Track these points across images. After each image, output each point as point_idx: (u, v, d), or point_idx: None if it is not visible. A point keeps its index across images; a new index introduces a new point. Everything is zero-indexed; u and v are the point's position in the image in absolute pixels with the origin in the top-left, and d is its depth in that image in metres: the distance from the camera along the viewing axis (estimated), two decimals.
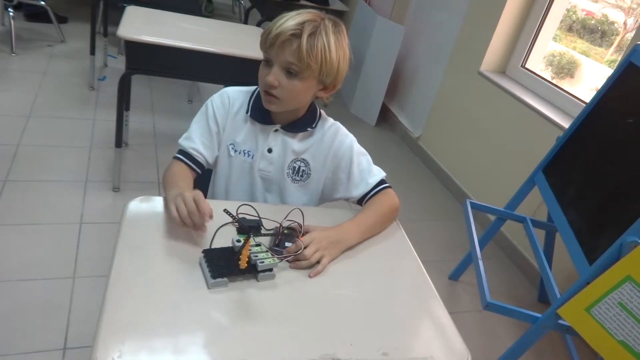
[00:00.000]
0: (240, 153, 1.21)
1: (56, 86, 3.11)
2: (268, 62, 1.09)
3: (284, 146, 1.21)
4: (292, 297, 0.91)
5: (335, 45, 1.08)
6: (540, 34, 2.74)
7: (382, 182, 1.23)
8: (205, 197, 0.98)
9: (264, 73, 1.09)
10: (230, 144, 1.21)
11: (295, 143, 1.21)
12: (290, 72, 1.08)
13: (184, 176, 1.13)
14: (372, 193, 1.21)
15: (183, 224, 0.95)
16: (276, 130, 1.19)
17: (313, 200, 1.27)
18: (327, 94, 1.17)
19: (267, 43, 1.07)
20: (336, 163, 1.23)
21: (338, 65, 1.10)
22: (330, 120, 1.25)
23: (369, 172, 1.22)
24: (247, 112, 1.19)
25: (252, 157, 1.21)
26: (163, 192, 1.13)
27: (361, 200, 1.23)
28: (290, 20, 1.05)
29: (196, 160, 1.17)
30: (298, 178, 1.23)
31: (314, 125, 1.21)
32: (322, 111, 1.24)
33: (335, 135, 1.23)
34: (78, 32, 3.87)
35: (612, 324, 1.23)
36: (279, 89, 1.09)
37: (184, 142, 1.19)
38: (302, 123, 1.20)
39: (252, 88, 1.23)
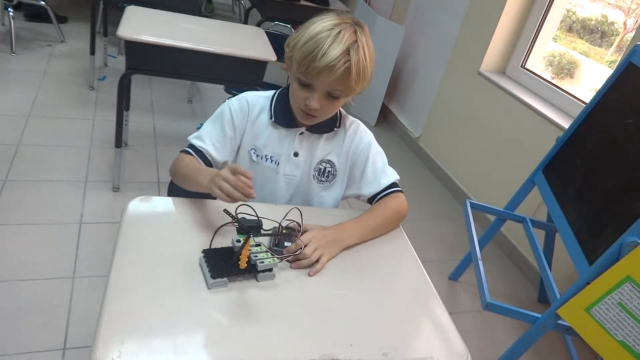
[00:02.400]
0: (263, 158, 1.20)
1: (56, 86, 3.11)
2: (308, 86, 1.07)
3: (310, 149, 1.21)
4: (292, 297, 0.91)
5: (370, 57, 1.07)
6: (540, 34, 2.74)
7: (394, 184, 1.23)
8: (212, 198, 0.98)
9: (303, 95, 1.08)
10: (252, 149, 1.20)
11: (320, 144, 1.21)
12: (332, 95, 1.08)
13: (201, 163, 1.13)
14: (382, 194, 1.21)
15: (232, 201, 0.93)
16: (302, 133, 1.19)
17: (337, 200, 1.27)
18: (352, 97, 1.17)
19: (311, 71, 1.03)
20: (353, 160, 1.23)
21: (371, 74, 1.09)
22: (350, 117, 1.26)
23: (382, 172, 1.23)
24: (271, 119, 1.19)
25: (277, 164, 1.20)
26: (175, 180, 1.13)
27: (372, 200, 1.23)
28: (335, 47, 1.00)
29: (205, 158, 1.15)
30: (324, 179, 1.23)
31: (338, 125, 1.21)
32: (341, 109, 1.24)
33: (356, 133, 1.24)
34: (78, 32, 3.87)
35: (612, 324, 1.23)
36: (320, 109, 1.09)
37: (194, 141, 1.17)
38: (326, 123, 1.19)
39: (270, 93, 1.22)
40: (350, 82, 1.05)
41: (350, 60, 1.02)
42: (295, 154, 1.20)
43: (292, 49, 1.07)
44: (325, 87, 1.06)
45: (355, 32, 1.04)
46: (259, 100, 1.21)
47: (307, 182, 1.23)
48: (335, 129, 1.21)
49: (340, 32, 1.02)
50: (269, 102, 1.20)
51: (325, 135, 1.21)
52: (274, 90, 1.23)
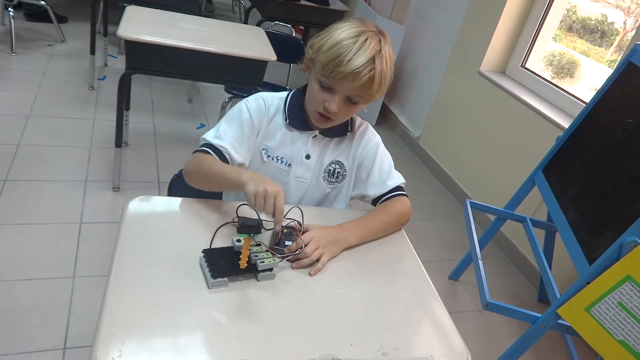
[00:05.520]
0: (274, 159, 1.19)
1: (56, 86, 3.11)
2: (329, 89, 1.08)
3: (322, 151, 1.21)
4: (292, 297, 0.91)
5: (391, 67, 1.08)
6: (540, 33, 2.74)
7: (399, 188, 1.23)
8: (221, 199, 0.96)
9: (323, 97, 1.09)
10: (263, 149, 1.19)
11: (331, 146, 1.22)
12: (351, 100, 1.09)
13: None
14: (387, 196, 1.21)
15: (257, 208, 0.94)
16: (315, 136, 1.19)
17: (345, 201, 1.27)
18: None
19: (335, 75, 1.04)
20: (360, 160, 1.24)
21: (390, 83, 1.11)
22: (359, 119, 1.26)
23: (388, 174, 1.23)
24: (285, 120, 1.18)
25: (289, 165, 1.20)
26: (191, 179, 1.11)
27: (376, 201, 1.23)
28: (361, 54, 1.02)
29: (225, 157, 1.12)
30: (334, 180, 1.23)
31: (350, 129, 1.22)
32: None
33: (364, 134, 1.24)
34: (78, 32, 3.87)
35: (611, 324, 1.23)
36: (338, 113, 1.10)
37: (213, 140, 1.12)
38: (340, 127, 1.20)
39: (283, 94, 1.22)
40: (371, 90, 1.06)
41: (374, 68, 1.04)
42: (307, 157, 1.20)
43: (316, 51, 1.08)
44: (346, 92, 1.07)
45: (380, 41, 1.06)
46: (274, 100, 1.21)
47: (316, 184, 1.23)
48: (348, 133, 1.22)
49: (366, 39, 1.03)
50: (282, 104, 1.20)
51: (336, 138, 1.21)
52: (287, 92, 1.23)
